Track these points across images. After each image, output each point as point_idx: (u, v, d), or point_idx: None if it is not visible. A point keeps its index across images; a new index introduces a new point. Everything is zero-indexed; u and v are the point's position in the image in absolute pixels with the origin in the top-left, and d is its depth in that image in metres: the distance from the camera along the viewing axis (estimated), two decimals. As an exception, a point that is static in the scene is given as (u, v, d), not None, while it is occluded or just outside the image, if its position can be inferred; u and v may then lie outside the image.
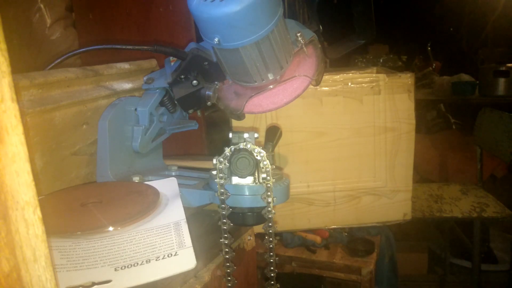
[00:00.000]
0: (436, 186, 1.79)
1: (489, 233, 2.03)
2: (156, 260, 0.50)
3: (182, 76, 0.69)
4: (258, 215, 0.60)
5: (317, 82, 0.71)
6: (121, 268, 0.49)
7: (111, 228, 0.54)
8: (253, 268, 0.73)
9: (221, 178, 0.58)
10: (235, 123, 0.95)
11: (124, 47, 0.73)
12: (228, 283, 0.59)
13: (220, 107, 0.71)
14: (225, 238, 0.58)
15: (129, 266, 0.49)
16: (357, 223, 1.04)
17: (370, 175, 1.00)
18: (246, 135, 0.60)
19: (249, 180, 0.60)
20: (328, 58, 0.79)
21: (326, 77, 0.93)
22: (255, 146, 0.58)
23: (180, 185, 0.67)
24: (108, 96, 0.79)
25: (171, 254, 0.51)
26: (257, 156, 0.58)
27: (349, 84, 0.95)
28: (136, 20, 1.11)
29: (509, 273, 1.89)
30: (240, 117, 0.72)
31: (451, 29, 3.24)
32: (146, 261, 0.50)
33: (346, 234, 1.14)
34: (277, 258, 0.60)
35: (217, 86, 0.70)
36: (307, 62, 0.70)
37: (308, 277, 1.13)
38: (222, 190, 0.58)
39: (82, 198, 0.62)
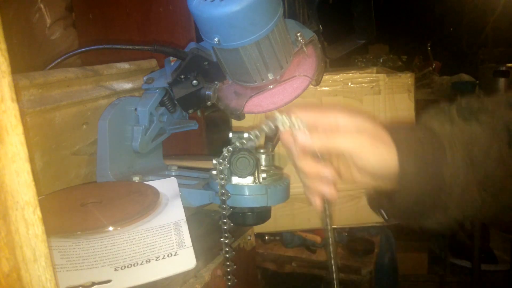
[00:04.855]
0: (436, 186, 1.78)
1: (489, 233, 2.03)
2: (156, 260, 0.50)
3: (182, 76, 0.69)
4: (258, 215, 0.60)
5: (317, 82, 0.71)
6: (121, 268, 0.49)
7: (111, 228, 0.54)
8: (253, 267, 0.73)
9: (221, 178, 0.58)
10: (235, 123, 0.95)
11: (124, 47, 0.73)
12: (228, 282, 0.59)
13: (220, 107, 0.71)
14: (225, 237, 0.58)
15: (129, 266, 0.49)
16: (357, 223, 1.04)
17: (370, 175, 0.99)
18: (246, 135, 0.60)
19: (249, 180, 0.60)
20: (328, 58, 0.79)
21: (326, 77, 0.93)
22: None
23: (180, 185, 0.67)
24: (108, 96, 0.79)
25: (171, 254, 0.51)
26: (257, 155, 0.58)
27: (349, 84, 0.95)
28: (136, 20, 1.11)
29: (509, 273, 1.89)
30: (240, 117, 0.72)
31: (451, 29, 3.24)
32: (146, 261, 0.50)
33: (346, 234, 1.14)
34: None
35: (217, 86, 0.70)
36: (307, 62, 0.70)
37: (308, 277, 1.13)
38: (223, 191, 0.58)
39: (82, 198, 0.62)
